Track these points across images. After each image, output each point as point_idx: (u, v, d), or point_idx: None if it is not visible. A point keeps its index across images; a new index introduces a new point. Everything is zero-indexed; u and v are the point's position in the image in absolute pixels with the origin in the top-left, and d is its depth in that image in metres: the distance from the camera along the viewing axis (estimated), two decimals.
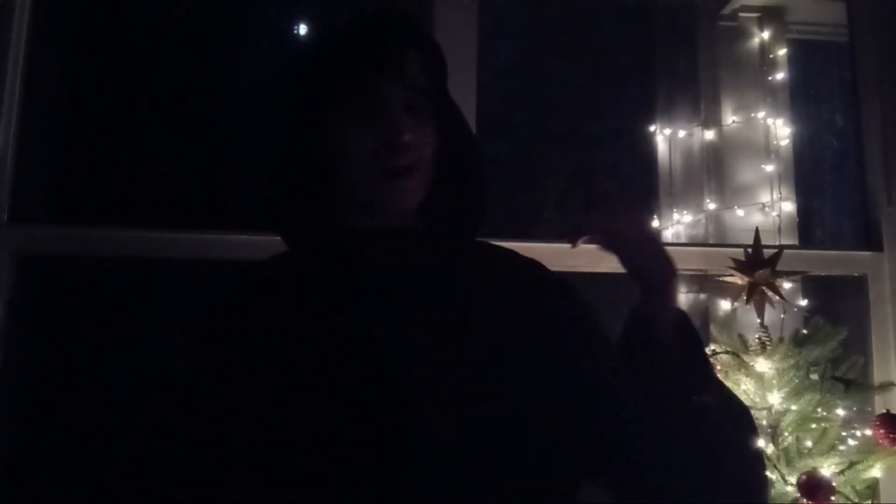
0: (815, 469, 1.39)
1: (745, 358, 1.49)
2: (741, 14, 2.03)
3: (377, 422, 0.78)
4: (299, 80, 0.92)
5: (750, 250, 1.55)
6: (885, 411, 1.50)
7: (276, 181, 0.93)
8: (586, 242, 0.86)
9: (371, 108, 0.84)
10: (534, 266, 0.94)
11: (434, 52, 0.90)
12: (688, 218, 2.04)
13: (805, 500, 1.36)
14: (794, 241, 1.91)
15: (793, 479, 1.40)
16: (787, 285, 1.62)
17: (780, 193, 1.92)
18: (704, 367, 0.87)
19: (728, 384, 1.49)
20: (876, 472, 1.45)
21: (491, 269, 0.92)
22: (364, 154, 0.84)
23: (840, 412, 1.50)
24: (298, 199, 0.91)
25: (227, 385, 0.82)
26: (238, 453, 0.80)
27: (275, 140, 0.94)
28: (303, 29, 2.13)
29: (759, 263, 1.53)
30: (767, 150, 1.96)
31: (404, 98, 0.85)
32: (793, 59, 2.05)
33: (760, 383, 1.47)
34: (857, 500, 1.41)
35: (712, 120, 2.02)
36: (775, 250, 1.55)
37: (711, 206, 1.98)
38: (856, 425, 1.53)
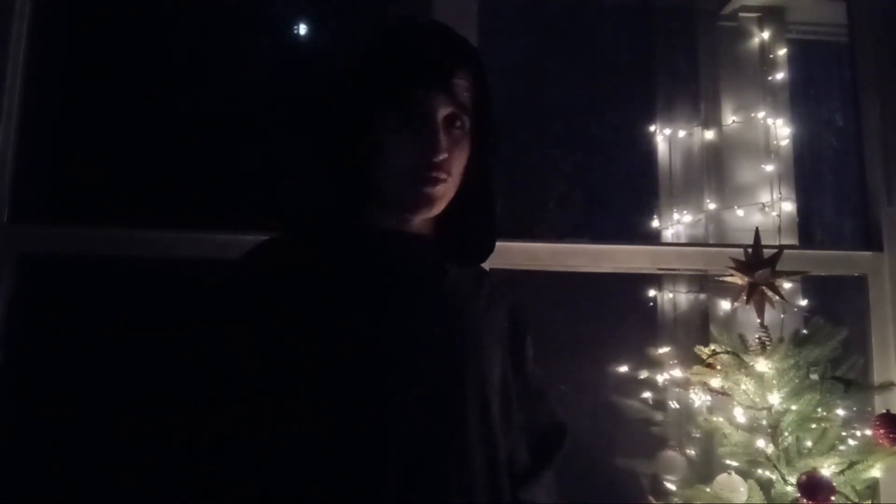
0: (815, 469, 1.39)
1: (745, 358, 1.49)
2: (741, 14, 2.03)
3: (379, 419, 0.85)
4: (351, 80, 0.98)
5: (750, 250, 1.55)
6: (885, 411, 1.50)
7: (313, 175, 1.00)
8: None
9: (415, 121, 0.91)
10: (517, 305, 1.07)
11: (481, 77, 0.97)
12: (688, 218, 2.04)
13: (805, 500, 1.35)
14: (794, 241, 1.91)
15: (793, 479, 1.39)
16: (787, 285, 1.62)
17: (780, 193, 1.92)
18: None
19: (728, 384, 1.50)
20: (876, 472, 1.44)
21: (485, 296, 1.03)
22: (403, 162, 0.91)
23: (840, 412, 1.50)
24: (332, 192, 0.98)
25: (254, 368, 0.85)
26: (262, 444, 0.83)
27: (317, 136, 1.01)
28: (303, 28, 2.13)
29: (759, 263, 1.53)
30: (767, 150, 1.96)
31: (447, 115, 0.92)
32: (793, 59, 2.05)
33: (760, 383, 1.47)
34: (857, 500, 1.41)
35: (712, 120, 2.02)
36: (775, 250, 1.55)
37: (711, 206, 1.98)
38: (856, 425, 1.53)
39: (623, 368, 1.93)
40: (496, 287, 1.07)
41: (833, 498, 1.36)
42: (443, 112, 0.92)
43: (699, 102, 2.07)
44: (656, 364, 1.89)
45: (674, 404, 1.90)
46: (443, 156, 0.91)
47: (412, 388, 0.87)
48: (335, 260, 0.93)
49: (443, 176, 0.92)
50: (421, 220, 0.97)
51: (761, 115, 1.97)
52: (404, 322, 0.91)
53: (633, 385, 1.93)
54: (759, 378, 1.47)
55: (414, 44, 0.95)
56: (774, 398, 1.46)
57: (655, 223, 2.09)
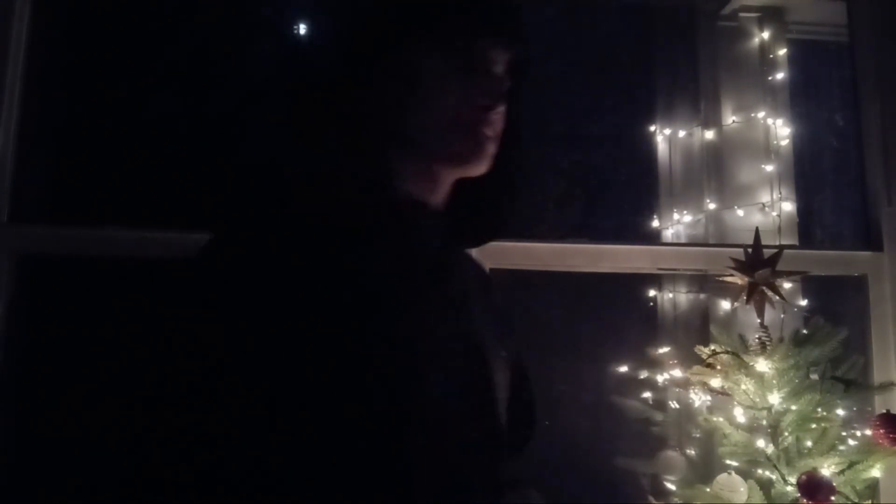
0: (815, 469, 1.39)
1: (745, 358, 1.49)
2: (741, 14, 2.03)
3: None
4: (391, 19, 0.84)
5: (750, 250, 1.55)
6: (885, 411, 1.49)
7: (349, 129, 0.84)
8: None
9: (476, 70, 0.81)
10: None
11: (525, 44, 0.88)
12: (688, 218, 2.05)
13: (805, 500, 1.36)
14: (794, 241, 1.91)
15: (793, 479, 1.39)
16: (787, 285, 1.62)
17: (780, 193, 1.92)
18: None
19: (728, 384, 1.50)
20: (876, 472, 1.45)
21: (471, 266, 0.98)
22: (458, 113, 0.80)
23: (840, 412, 1.50)
24: (365, 154, 0.83)
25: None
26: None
27: (347, 90, 0.84)
28: (302, 28, 2.13)
29: (759, 263, 1.53)
30: (767, 150, 1.96)
31: (506, 68, 0.83)
32: (793, 59, 2.05)
33: (760, 383, 1.47)
34: (857, 500, 1.41)
35: (712, 120, 2.02)
36: (775, 250, 1.55)
37: (711, 206, 1.98)
38: (856, 425, 1.53)
39: (623, 368, 1.93)
40: (479, 266, 1.00)
41: (833, 498, 1.36)
42: (500, 67, 0.83)
43: (699, 102, 2.07)
44: (656, 364, 1.89)
45: (674, 404, 1.90)
46: (501, 108, 0.81)
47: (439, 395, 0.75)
48: (360, 238, 0.78)
49: (493, 134, 0.82)
50: (445, 191, 0.86)
51: (761, 115, 1.96)
52: (439, 315, 0.80)
53: (633, 385, 1.93)
54: (759, 378, 1.47)
55: None
56: (774, 398, 1.46)
57: (655, 223, 2.09)
